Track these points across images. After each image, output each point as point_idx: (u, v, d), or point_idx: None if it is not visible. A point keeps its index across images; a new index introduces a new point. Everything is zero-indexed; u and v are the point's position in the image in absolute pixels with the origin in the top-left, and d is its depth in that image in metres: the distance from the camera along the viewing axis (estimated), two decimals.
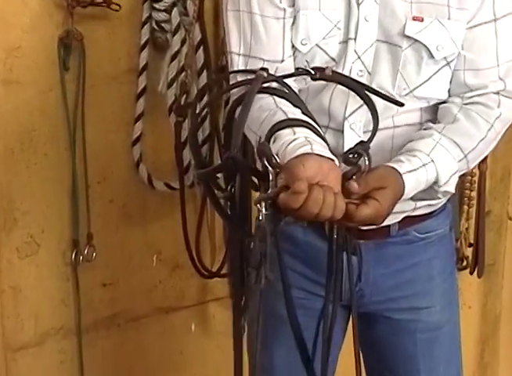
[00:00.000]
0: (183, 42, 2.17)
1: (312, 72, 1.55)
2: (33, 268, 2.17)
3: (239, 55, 1.61)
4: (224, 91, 1.81)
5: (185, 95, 2.18)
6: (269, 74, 1.54)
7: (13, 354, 2.17)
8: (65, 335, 2.24)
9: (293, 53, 1.61)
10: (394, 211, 1.48)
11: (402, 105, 1.58)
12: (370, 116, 1.55)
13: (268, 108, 1.51)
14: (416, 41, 1.57)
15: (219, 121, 2.24)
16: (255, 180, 1.45)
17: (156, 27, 2.16)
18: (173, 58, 2.17)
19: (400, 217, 1.66)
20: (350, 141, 1.58)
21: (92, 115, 2.15)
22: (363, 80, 1.59)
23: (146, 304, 2.35)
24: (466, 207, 2.58)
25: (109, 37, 2.15)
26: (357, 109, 1.59)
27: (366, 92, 1.55)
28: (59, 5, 2.05)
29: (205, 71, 2.21)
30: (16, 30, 2.03)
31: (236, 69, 1.62)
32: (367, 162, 1.44)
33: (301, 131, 1.42)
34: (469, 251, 2.65)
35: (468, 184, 2.58)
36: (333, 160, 1.37)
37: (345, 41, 1.59)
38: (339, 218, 1.36)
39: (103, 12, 2.09)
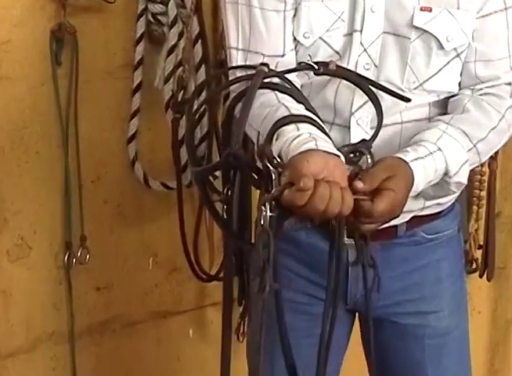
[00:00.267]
0: (180, 36, 2.15)
1: (316, 67, 1.54)
2: (24, 271, 2.15)
3: (237, 50, 1.60)
4: (223, 87, 1.80)
5: (182, 91, 2.17)
6: (270, 70, 1.53)
7: (3, 361, 2.16)
8: (57, 341, 2.23)
9: (296, 47, 1.59)
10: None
11: (408, 100, 1.57)
12: None
13: (270, 104, 1.50)
14: (425, 31, 1.56)
15: (218, 118, 2.23)
16: (256, 178, 1.43)
17: (152, 19, 2.15)
18: (170, 52, 2.15)
19: (408, 217, 1.63)
20: (357, 137, 1.57)
21: (86, 112, 2.15)
22: (370, 73, 1.57)
23: (141, 308, 2.34)
24: (475, 207, 2.58)
25: (104, 30, 2.14)
26: (363, 104, 1.58)
27: (371, 88, 1.54)
28: None
29: (203, 66, 2.21)
30: (6, 24, 2.02)
31: (234, 64, 1.60)
32: (370, 160, 1.44)
33: (305, 128, 1.41)
34: (478, 254, 2.65)
35: (478, 183, 2.57)
36: (338, 156, 1.37)
37: (350, 34, 1.57)
38: (359, 219, 1.37)
39: (97, 4, 2.08)
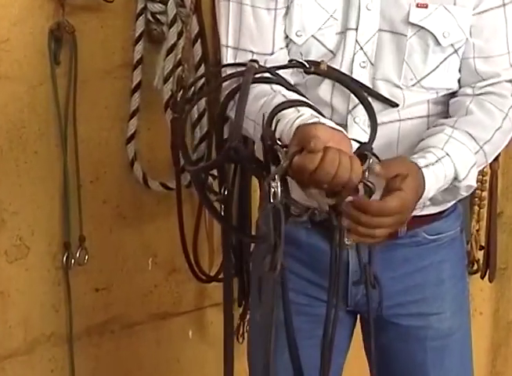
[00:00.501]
0: (180, 35, 2.14)
1: (307, 65, 1.55)
2: (22, 272, 2.14)
3: (228, 47, 1.61)
4: (213, 86, 1.80)
5: (181, 91, 2.14)
6: (260, 66, 1.54)
7: (1, 363, 2.15)
8: (56, 342, 2.22)
9: (288, 45, 1.60)
10: None
11: (396, 105, 1.57)
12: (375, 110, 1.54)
13: (266, 94, 1.50)
14: (421, 28, 1.56)
15: None
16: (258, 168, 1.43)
17: (151, 18, 2.14)
18: (169, 51, 2.14)
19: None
20: (354, 136, 1.54)
21: (85, 111, 2.14)
22: (366, 71, 1.57)
23: (141, 310, 2.33)
24: (477, 207, 2.57)
25: (103, 29, 2.13)
26: None
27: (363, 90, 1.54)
28: None
29: (203, 65, 2.19)
30: (4, 22, 2.01)
31: (225, 62, 1.61)
32: (376, 160, 1.42)
33: (306, 110, 1.42)
34: (480, 254, 2.64)
35: (479, 184, 2.55)
36: (342, 131, 1.37)
37: (343, 32, 1.57)
38: (368, 222, 1.36)
39: (96, 3, 2.07)
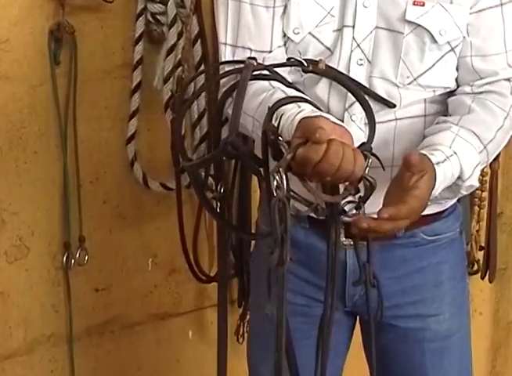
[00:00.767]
0: (180, 35, 2.13)
1: (305, 63, 1.54)
2: (22, 272, 2.14)
3: (226, 45, 1.61)
4: (211, 83, 1.80)
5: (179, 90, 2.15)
6: (258, 63, 1.54)
7: (1, 363, 2.14)
8: (56, 343, 2.21)
9: (286, 44, 1.60)
10: None
11: (393, 106, 1.57)
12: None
13: (265, 90, 1.50)
14: (417, 26, 1.56)
15: None
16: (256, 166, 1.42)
17: (151, 19, 2.13)
18: (169, 52, 2.14)
19: None
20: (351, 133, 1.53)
21: (85, 112, 2.13)
22: (363, 69, 1.57)
23: (140, 310, 2.32)
24: (477, 208, 2.55)
25: (103, 29, 2.12)
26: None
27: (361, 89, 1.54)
28: None
29: (203, 66, 2.18)
30: (4, 23, 2.00)
31: (223, 60, 1.61)
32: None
33: (306, 105, 1.42)
34: (480, 255, 2.63)
35: (479, 184, 2.52)
36: (343, 125, 1.38)
37: (340, 29, 1.57)
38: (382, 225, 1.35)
39: (96, 3, 2.07)
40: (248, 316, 2.13)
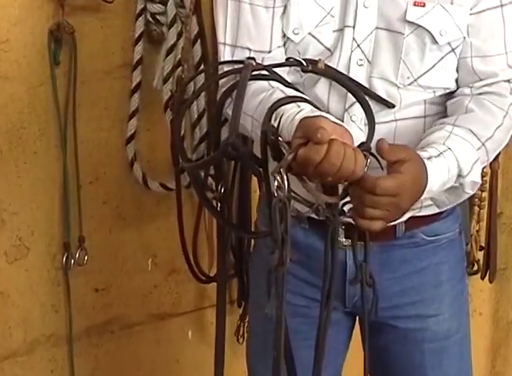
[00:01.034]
0: (179, 35, 2.14)
1: (304, 63, 1.54)
2: (22, 272, 2.14)
3: (225, 45, 1.61)
4: (210, 83, 1.79)
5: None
6: (258, 64, 1.54)
7: (1, 363, 2.14)
8: (55, 343, 2.21)
9: (285, 44, 1.60)
10: None
11: (393, 106, 1.57)
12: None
13: (264, 90, 1.50)
14: (418, 26, 1.56)
15: None
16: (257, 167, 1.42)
17: (151, 19, 2.13)
18: (169, 52, 2.14)
19: (406, 216, 1.59)
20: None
21: (84, 112, 2.13)
22: (363, 69, 1.57)
23: (140, 310, 2.32)
24: (476, 208, 2.55)
25: (102, 30, 2.13)
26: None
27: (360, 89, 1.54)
28: None
29: (202, 66, 2.18)
30: (4, 23, 2.01)
31: (222, 60, 1.61)
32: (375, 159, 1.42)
33: (305, 105, 1.42)
34: (480, 255, 2.62)
35: None
36: (343, 125, 1.38)
37: (340, 30, 1.57)
38: (362, 200, 1.35)
39: (96, 3, 2.07)
40: (248, 317, 2.14)
